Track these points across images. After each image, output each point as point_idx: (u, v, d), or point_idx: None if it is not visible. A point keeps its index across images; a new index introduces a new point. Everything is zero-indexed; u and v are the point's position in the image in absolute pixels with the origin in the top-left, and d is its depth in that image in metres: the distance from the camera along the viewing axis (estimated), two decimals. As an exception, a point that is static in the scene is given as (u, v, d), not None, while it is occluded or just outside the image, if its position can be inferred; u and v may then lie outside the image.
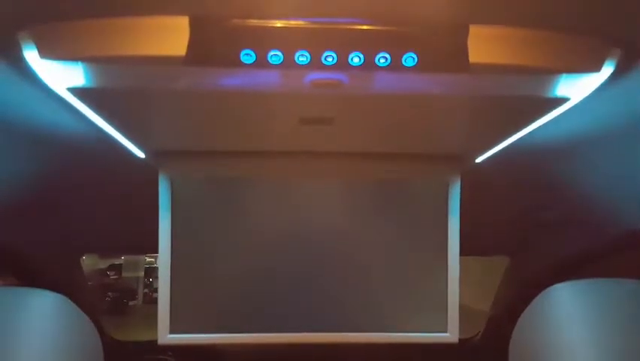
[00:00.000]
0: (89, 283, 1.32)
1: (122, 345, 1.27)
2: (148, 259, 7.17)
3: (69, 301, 0.65)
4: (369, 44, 0.43)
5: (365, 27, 0.42)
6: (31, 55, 0.43)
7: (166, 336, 0.79)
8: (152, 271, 7.13)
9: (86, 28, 0.41)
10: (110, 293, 6.51)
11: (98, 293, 6.27)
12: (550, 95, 0.51)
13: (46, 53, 0.42)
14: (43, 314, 0.60)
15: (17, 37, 0.41)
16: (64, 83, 0.47)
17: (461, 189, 0.81)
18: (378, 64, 0.44)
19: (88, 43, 0.42)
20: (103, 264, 7.07)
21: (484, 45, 0.44)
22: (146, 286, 7.19)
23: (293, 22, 0.42)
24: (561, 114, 0.56)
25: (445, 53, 0.44)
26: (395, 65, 0.44)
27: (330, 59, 0.44)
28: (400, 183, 0.82)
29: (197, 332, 0.81)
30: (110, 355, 0.68)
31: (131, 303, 6.88)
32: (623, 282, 0.65)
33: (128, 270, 7.16)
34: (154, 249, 0.80)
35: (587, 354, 0.57)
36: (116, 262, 7.20)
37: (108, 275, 6.99)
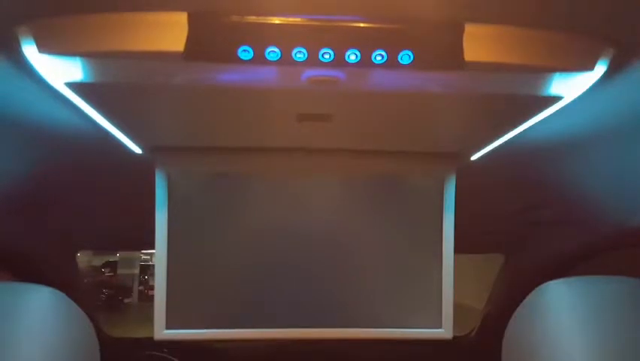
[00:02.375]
0: (84, 280, 1.33)
1: (117, 341, 1.27)
2: (143, 257, 7.15)
3: (65, 296, 0.65)
4: (365, 42, 0.43)
5: (362, 24, 0.43)
6: (29, 49, 0.43)
7: (162, 331, 0.79)
8: (147, 269, 7.12)
9: (85, 22, 0.42)
10: (105, 290, 6.49)
11: (93, 290, 6.25)
12: (544, 93, 0.51)
13: (44, 47, 0.42)
14: (39, 310, 0.60)
15: (16, 31, 0.41)
16: (62, 77, 0.47)
17: (456, 186, 0.82)
18: (374, 61, 0.44)
19: (87, 38, 0.42)
20: (98, 261, 7.05)
21: (479, 43, 0.44)
22: (141, 283, 7.17)
23: (290, 19, 0.42)
24: (555, 113, 0.57)
25: (441, 50, 0.44)
26: (391, 63, 0.45)
27: (327, 56, 0.44)
28: (395, 180, 0.82)
29: (193, 327, 0.81)
30: (105, 351, 0.68)
31: (126, 300, 6.86)
32: (615, 279, 0.65)
33: (124, 267, 7.14)
34: (151, 245, 0.80)
35: (579, 351, 0.57)
36: (111, 259, 7.18)
37: (103, 272, 6.97)
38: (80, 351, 0.63)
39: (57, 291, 0.64)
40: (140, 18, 0.42)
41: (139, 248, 1.27)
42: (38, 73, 0.46)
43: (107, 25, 0.42)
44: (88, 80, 0.47)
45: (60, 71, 0.46)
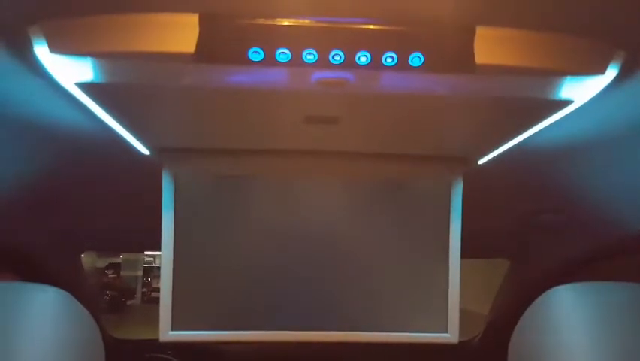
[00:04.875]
0: (88, 281, 1.33)
1: (121, 343, 1.27)
2: (147, 259, 7.16)
3: (71, 296, 0.65)
4: (376, 44, 0.43)
5: (372, 26, 0.43)
6: (40, 49, 0.43)
7: (167, 333, 0.79)
8: (150, 271, 7.12)
9: (96, 23, 0.42)
10: (108, 292, 6.50)
11: (97, 292, 6.26)
12: (554, 97, 0.51)
13: (56, 47, 0.43)
14: (46, 309, 0.60)
15: (28, 31, 0.41)
16: (72, 78, 0.47)
17: (463, 190, 0.81)
18: (384, 63, 0.44)
19: (98, 38, 0.42)
20: (101, 262, 7.06)
21: (490, 46, 0.44)
22: (144, 285, 7.17)
23: (301, 21, 0.42)
24: (565, 117, 0.56)
25: (452, 53, 0.44)
26: (401, 65, 0.44)
27: (337, 58, 0.44)
28: (402, 183, 0.82)
29: (198, 329, 0.81)
30: (109, 352, 0.68)
31: (129, 302, 6.87)
32: (624, 285, 0.65)
33: (127, 269, 7.15)
34: (156, 246, 0.80)
35: (586, 357, 0.57)
36: (115, 260, 7.19)
37: (107, 274, 6.98)
38: (86, 351, 0.63)
39: (63, 291, 0.64)
40: (151, 19, 0.42)
41: (144, 249, 1.27)
42: (49, 73, 0.46)
43: (118, 26, 0.42)
44: (98, 81, 0.48)
45: (71, 71, 0.46)
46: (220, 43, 0.43)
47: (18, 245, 0.91)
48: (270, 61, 0.44)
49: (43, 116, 0.58)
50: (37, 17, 0.41)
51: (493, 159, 0.75)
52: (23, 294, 0.61)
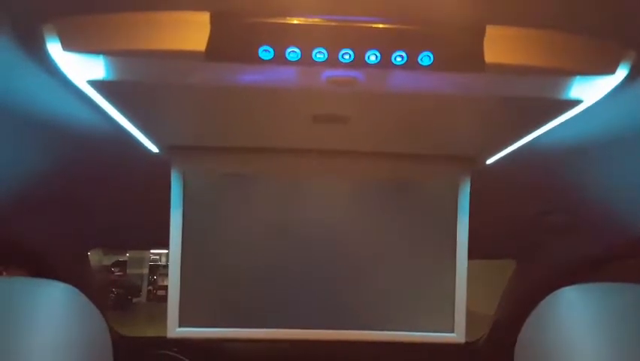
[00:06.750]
0: (96, 278, 1.34)
1: (127, 340, 1.28)
2: (152, 257, 7.18)
3: (80, 293, 0.66)
4: (386, 42, 0.43)
5: (382, 25, 0.43)
6: (54, 47, 0.43)
7: (175, 329, 0.80)
8: (156, 269, 7.14)
9: (109, 21, 0.42)
10: (114, 290, 6.52)
11: (103, 289, 6.28)
12: (563, 96, 0.51)
13: (68, 45, 0.43)
14: (54, 304, 0.60)
15: (42, 29, 0.42)
16: (84, 75, 0.48)
17: (470, 190, 0.81)
18: (394, 62, 0.44)
19: (110, 36, 0.43)
20: (107, 260, 7.08)
21: (499, 46, 0.44)
22: (150, 283, 7.19)
23: (311, 20, 0.42)
24: (574, 117, 0.56)
25: (461, 52, 0.44)
26: (411, 64, 0.45)
27: (347, 57, 0.44)
28: (409, 183, 0.82)
29: (205, 326, 0.81)
30: (116, 349, 0.69)
31: (135, 300, 6.89)
32: (631, 287, 0.64)
33: (133, 267, 7.17)
34: (163, 244, 0.80)
35: (593, 359, 0.57)
36: (121, 258, 7.21)
37: (112, 272, 7.00)
38: (94, 347, 0.63)
39: (71, 287, 0.65)
40: (162, 17, 0.43)
41: (151, 247, 1.28)
42: (61, 71, 0.47)
43: (131, 24, 0.43)
44: (110, 78, 0.48)
45: (83, 69, 0.47)
46: (231, 42, 0.43)
47: (27, 242, 0.92)
48: (279, 59, 0.44)
49: (54, 114, 0.59)
50: (50, 16, 0.41)
51: (502, 158, 0.75)
52: (33, 289, 0.61)
